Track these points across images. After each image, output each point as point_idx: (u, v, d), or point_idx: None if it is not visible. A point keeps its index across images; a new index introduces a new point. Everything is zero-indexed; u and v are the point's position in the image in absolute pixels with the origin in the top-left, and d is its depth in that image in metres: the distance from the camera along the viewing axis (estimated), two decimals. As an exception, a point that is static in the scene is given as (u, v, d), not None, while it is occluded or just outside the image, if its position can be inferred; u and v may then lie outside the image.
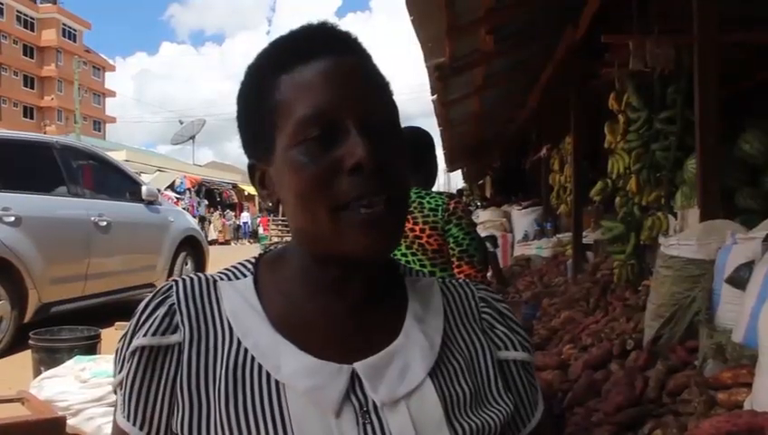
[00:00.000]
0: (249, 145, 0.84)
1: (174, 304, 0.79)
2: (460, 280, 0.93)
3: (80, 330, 4.57)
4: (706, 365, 2.76)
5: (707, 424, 2.10)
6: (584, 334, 4.26)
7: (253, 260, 0.87)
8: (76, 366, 3.79)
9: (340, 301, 0.80)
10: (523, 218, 10.41)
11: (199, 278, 0.83)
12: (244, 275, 0.84)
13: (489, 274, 4.39)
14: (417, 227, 2.42)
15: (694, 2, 3.72)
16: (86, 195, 6.74)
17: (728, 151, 4.16)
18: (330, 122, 0.74)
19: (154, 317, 0.78)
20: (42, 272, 5.86)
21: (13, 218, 5.64)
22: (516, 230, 10.46)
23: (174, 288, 0.81)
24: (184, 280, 0.82)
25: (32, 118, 51.50)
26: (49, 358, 4.21)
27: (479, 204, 14.74)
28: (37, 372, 4.16)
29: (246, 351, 0.76)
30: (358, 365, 0.76)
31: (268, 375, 0.74)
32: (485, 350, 0.85)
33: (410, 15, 4.87)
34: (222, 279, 0.83)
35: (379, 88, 0.80)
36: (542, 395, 0.91)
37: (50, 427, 2.56)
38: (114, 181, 7.55)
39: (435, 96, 7.77)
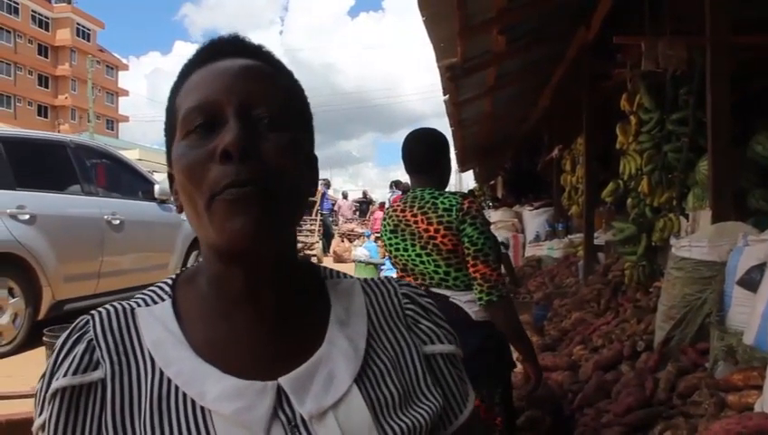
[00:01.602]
0: (166, 155, 0.83)
1: (92, 339, 0.76)
2: (382, 278, 0.91)
3: (93, 327, 4.60)
4: (717, 367, 2.76)
5: (717, 426, 2.10)
6: (595, 335, 4.26)
7: (170, 281, 0.84)
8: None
9: (257, 312, 0.78)
10: (534, 219, 10.40)
11: (116, 309, 0.80)
12: (162, 299, 0.81)
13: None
14: (431, 228, 2.42)
15: (706, 3, 3.71)
16: (99, 193, 6.78)
17: (741, 153, 4.14)
18: (212, 112, 0.74)
19: (73, 355, 0.75)
20: (55, 269, 5.90)
21: (27, 216, 5.69)
22: (528, 231, 10.45)
23: (91, 323, 0.78)
24: (100, 313, 0.79)
25: (46, 117, 51.84)
26: (62, 355, 4.25)
27: (490, 204, 14.72)
28: (51, 369, 4.19)
29: (170, 381, 0.74)
30: (282, 380, 0.75)
31: (193, 403, 0.73)
32: (411, 346, 0.84)
33: (422, 16, 4.89)
34: (140, 305, 0.81)
35: (272, 86, 0.78)
36: (472, 389, 0.90)
37: (64, 423, 2.58)
38: (127, 180, 7.59)
39: (446, 96, 7.78)
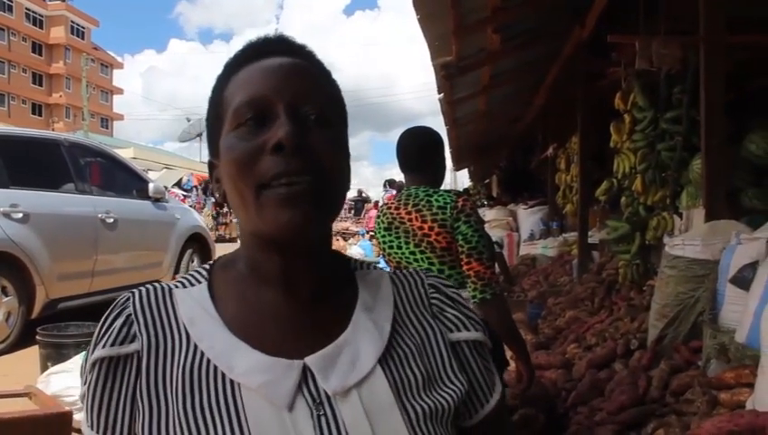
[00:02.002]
0: (208, 144, 0.88)
1: (131, 314, 0.82)
2: (410, 269, 0.95)
3: (86, 326, 4.60)
4: (710, 365, 2.76)
5: (709, 424, 2.11)
6: (589, 334, 4.27)
7: (207, 266, 0.90)
8: (82, 362, 3.82)
9: (291, 297, 0.83)
10: (529, 218, 10.41)
11: (155, 288, 0.85)
12: (199, 282, 0.87)
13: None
14: (425, 225, 2.42)
15: (701, 2, 3.71)
16: (93, 192, 6.76)
17: (734, 152, 4.15)
18: (262, 108, 0.78)
19: (112, 329, 0.81)
20: (49, 268, 5.88)
21: (21, 215, 5.67)
22: (522, 229, 10.46)
23: (131, 299, 0.84)
24: (140, 291, 0.85)
25: (40, 115, 51.66)
26: (56, 353, 4.24)
27: (485, 203, 14.74)
28: (44, 368, 4.19)
29: (202, 354, 0.79)
30: (309, 359, 0.78)
31: (223, 375, 0.77)
32: (437, 333, 0.87)
33: (417, 14, 4.89)
34: (177, 287, 0.86)
35: (317, 86, 0.83)
36: (499, 380, 0.92)
37: (56, 421, 2.58)
38: (121, 178, 7.56)
39: (441, 95, 7.78)
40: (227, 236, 29.58)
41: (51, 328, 4.51)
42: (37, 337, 4.44)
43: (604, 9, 5.19)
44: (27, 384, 3.30)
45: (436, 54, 6.03)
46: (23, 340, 5.56)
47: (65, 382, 3.63)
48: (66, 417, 2.65)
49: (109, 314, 0.83)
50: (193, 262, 8.40)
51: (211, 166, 0.88)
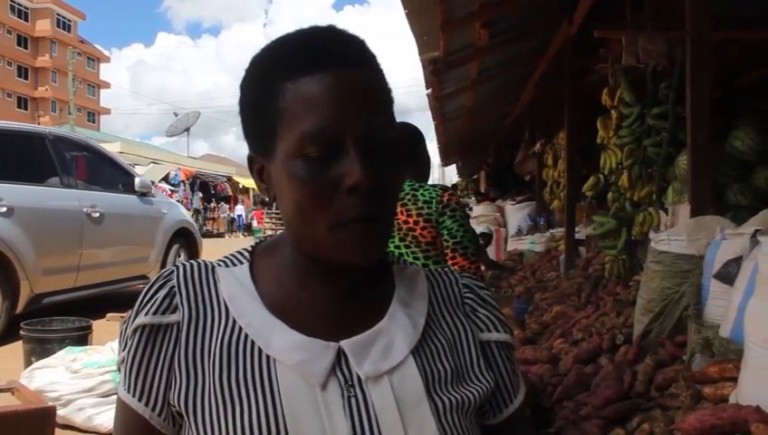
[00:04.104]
0: (250, 139, 0.87)
1: (174, 286, 0.86)
2: (445, 268, 0.99)
3: (71, 321, 4.57)
4: (694, 360, 2.78)
5: (693, 418, 2.12)
6: (575, 329, 4.28)
7: (249, 249, 0.93)
8: (67, 357, 3.80)
9: (331, 288, 0.86)
10: (516, 213, 10.43)
11: (199, 264, 0.89)
12: (241, 263, 0.90)
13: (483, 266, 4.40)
14: (410, 220, 2.42)
15: (687, -2, 3.72)
16: (79, 186, 6.72)
17: (719, 148, 4.17)
18: (330, 140, 0.77)
19: (155, 298, 0.84)
20: (34, 263, 5.84)
21: (5, 209, 5.62)
22: (510, 225, 10.48)
23: (175, 272, 0.87)
24: (184, 265, 0.89)
25: (26, 109, 51.25)
26: (40, 348, 4.22)
27: (473, 198, 14.74)
28: (28, 363, 4.16)
29: (241, 329, 0.82)
30: (344, 343, 0.82)
31: (260, 350, 0.81)
32: (468, 332, 0.91)
33: (405, 9, 4.87)
34: (220, 266, 0.90)
35: (381, 102, 0.82)
36: (523, 383, 0.95)
37: (40, 417, 2.56)
38: (107, 173, 7.52)
39: (429, 90, 7.77)
40: (215, 232, 29.57)
41: (35, 323, 4.48)
42: (21, 332, 4.41)
43: (592, 5, 5.19)
44: (10, 379, 3.28)
45: (424, 49, 6.02)
46: (7, 335, 5.53)
47: (49, 378, 3.61)
48: (49, 412, 2.63)
49: (152, 285, 0.86)
50: (180, 257, 8.36)
51: (252, 160, 0.87)
